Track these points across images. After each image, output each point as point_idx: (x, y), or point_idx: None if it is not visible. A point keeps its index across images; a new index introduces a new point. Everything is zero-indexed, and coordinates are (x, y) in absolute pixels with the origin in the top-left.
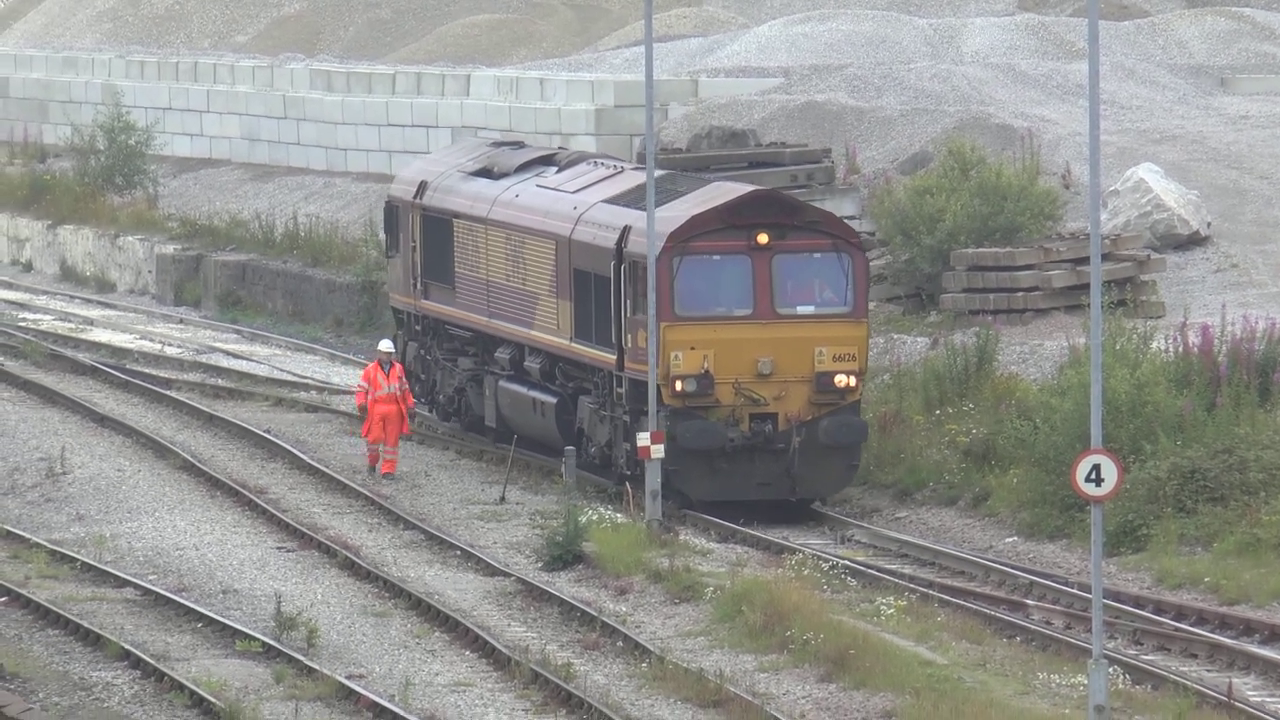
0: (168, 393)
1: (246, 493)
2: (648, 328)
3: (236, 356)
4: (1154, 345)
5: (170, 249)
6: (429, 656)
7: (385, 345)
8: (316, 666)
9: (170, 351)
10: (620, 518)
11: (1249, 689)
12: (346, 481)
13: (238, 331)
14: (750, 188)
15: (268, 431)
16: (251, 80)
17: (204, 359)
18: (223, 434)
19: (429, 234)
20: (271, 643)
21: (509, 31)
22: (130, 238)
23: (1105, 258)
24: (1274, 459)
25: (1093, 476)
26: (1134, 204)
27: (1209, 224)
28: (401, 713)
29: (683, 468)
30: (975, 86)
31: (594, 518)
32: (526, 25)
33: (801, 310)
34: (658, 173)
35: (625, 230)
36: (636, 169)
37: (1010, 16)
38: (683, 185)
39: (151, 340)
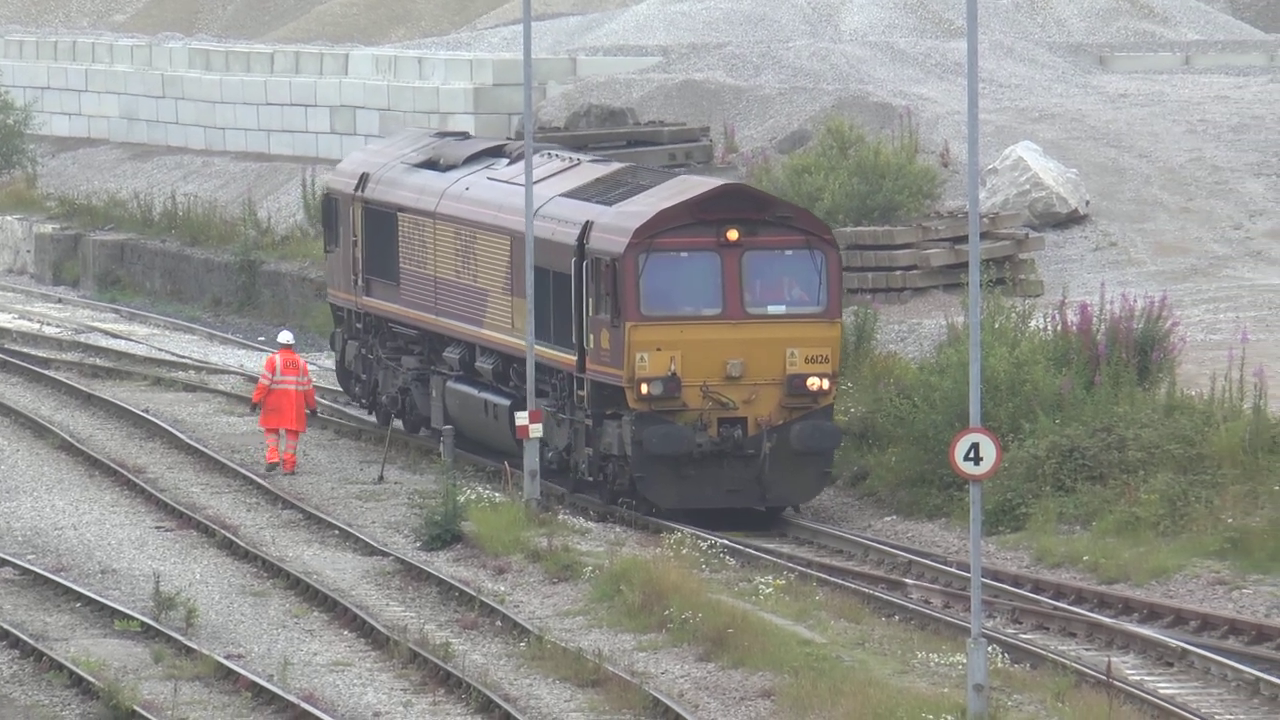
0: (46, 372)
1: (125, 472)
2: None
3: (115, 336)
4: (1033, 324)
5: (49, 228)
6: (307, 636)
7: (285, 337)
8: (195, 646)
9: (48, 331)
10: (499, 497)
11: (1128, 667)
12: (225, 461)
13: (116, 311)
14: (719, 181)
15: (146, 411)
16: (130, 59)
17: (82, 338)
18: (101, 413)
19: (371, 228)
20: (150, 622)
21: (387, 10)
22: (8, 217)
23: (984, 236)
24: (1152, 438)
25: (971, 455)
26: (1013, 182)
27: (1088, 202)
28: (280, 692)
29: (648, 474)
30: (854, 65)
31: (472, 497)
32: (404, 4)
33: (772, 310)
34: (619, 165)
35: (587, 226)
36: (594, 161)
37: None
38: (645, 178)
39: (30, 319)
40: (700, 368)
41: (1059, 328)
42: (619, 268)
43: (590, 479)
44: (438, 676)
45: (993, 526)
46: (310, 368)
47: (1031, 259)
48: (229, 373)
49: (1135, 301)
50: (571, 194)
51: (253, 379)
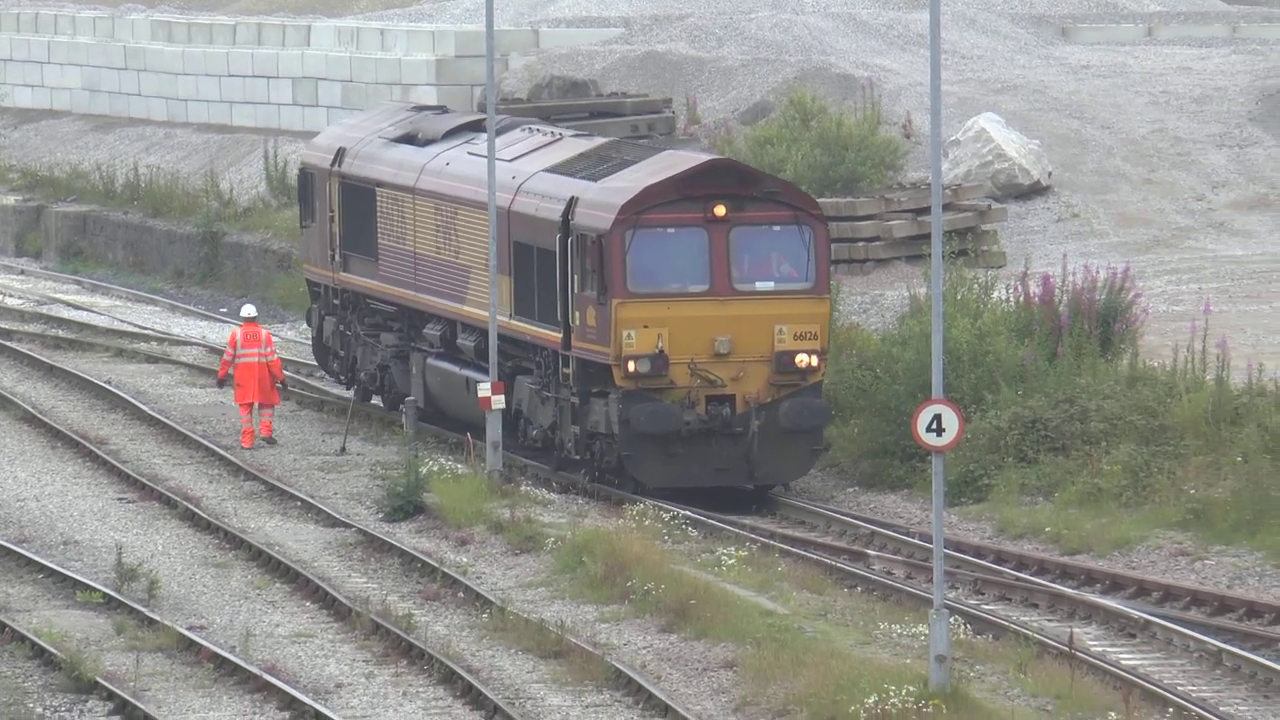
0: (8, 343)
1: (87, 444)
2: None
3: (77, 308)
4: (995, 295)
5: (11, 200)
6: (270, 608)
7: (248, 310)
8: (157, 618)
9: (11, 302)
10: (461, 469)
11: (1090, 639)
12: (187, 433)
13: (78, 282)
14: (706, 156)
15: (108, 382)
16: (92, 31)
17: (45, 310)
18: (63, 385)
19: (349, 203)
20: (113, 594)
21: None
22: None
23: (946, 208)
24: (1115, 409)
25: (934, 426)
26: (975, 154)
27: (1050, 174)
28: (242, 663)
29: (636, 453)
30: (816, 36)
31: (435, 469)
32: None
33: (761, 286)
34: (602, 140)
35: (572, 201)
36: (577, 136)
37: None
38: (631, 153)
39: None
40: (688, 345)
41: (1021, 299)
42: (605, 244)
43: (577, 457)
44: (400, 648)
45: (955, 498)
46: (274, 339)
47: (994, 230)
48: (191, 344)
49: (1098, 273)
50: (555, 169)
51: (215, 350)
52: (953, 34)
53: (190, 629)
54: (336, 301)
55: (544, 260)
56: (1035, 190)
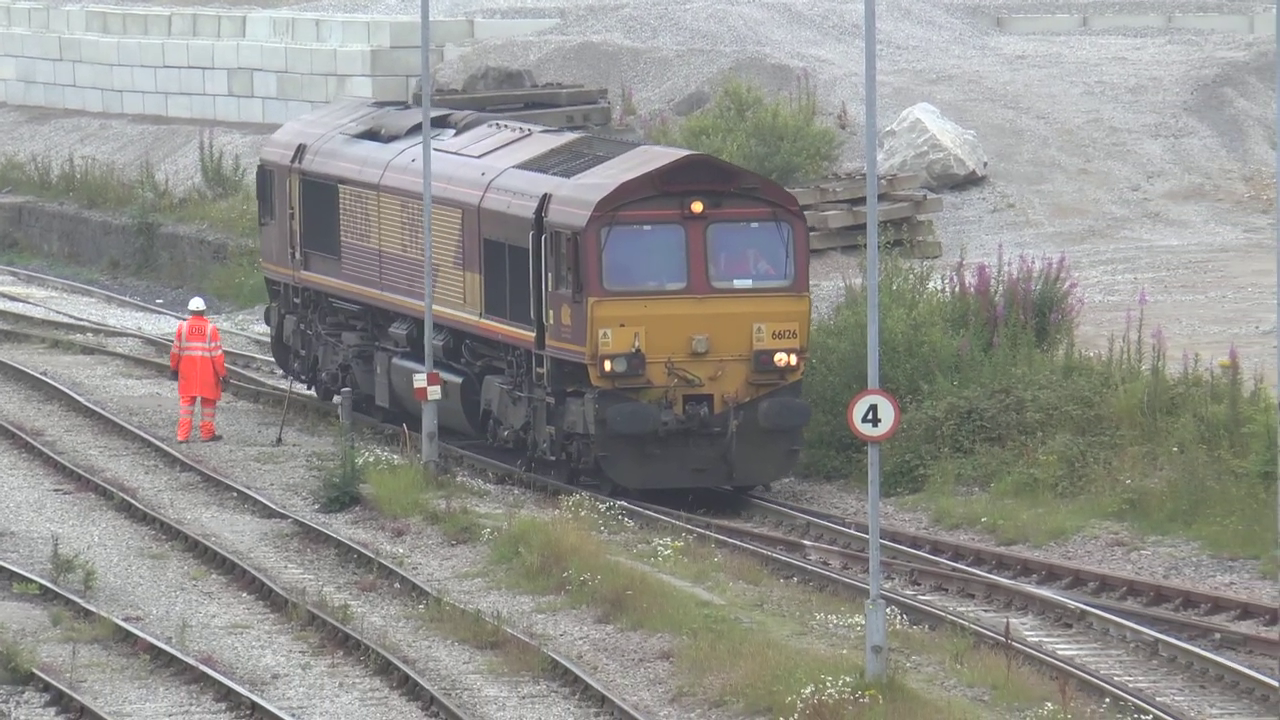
0: None
1: (23, 434)
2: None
3: (12, 299)
4: (931, 285)
5: None
6: (206, 598)
7: (195, 304)
8: (94, 609)
9: None
10: (397, 459)
11: (1026, 629)
12: (123, 424)
13: (14, 273)
14: (683, 151)
15: (44, 374)
16: (27, 22)
17: None
18: None
19: (310, 200)
20: (49, 585)
21: None
22: None
23: (882, 198)
24: (1050, 399)
25: (870, 417)
26: (910, 144)
27: (985, 164)
28: (179, 654)
29: (612, 454)
30: (751, 26)
31: (371, 459)
32: None
33: (738, 284)
34: (573, 135)
35: (545, 198)
36: (546, 132)
37: None
38: (603, 149)
39: None
40: (665, 344)
41: (957, 289)
42: (580, 241)
43: (552, 458)
44: (336, 638)
45: (891, 488)
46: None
47: (929, 220)
48: (127, 335)
49: (1033, 263)
50: (526, 165)
51: (151, 342)
52: (888, 24)
53: (127, 620)
54: (297, 300)
55: (516, 258)
56: (970, 180)
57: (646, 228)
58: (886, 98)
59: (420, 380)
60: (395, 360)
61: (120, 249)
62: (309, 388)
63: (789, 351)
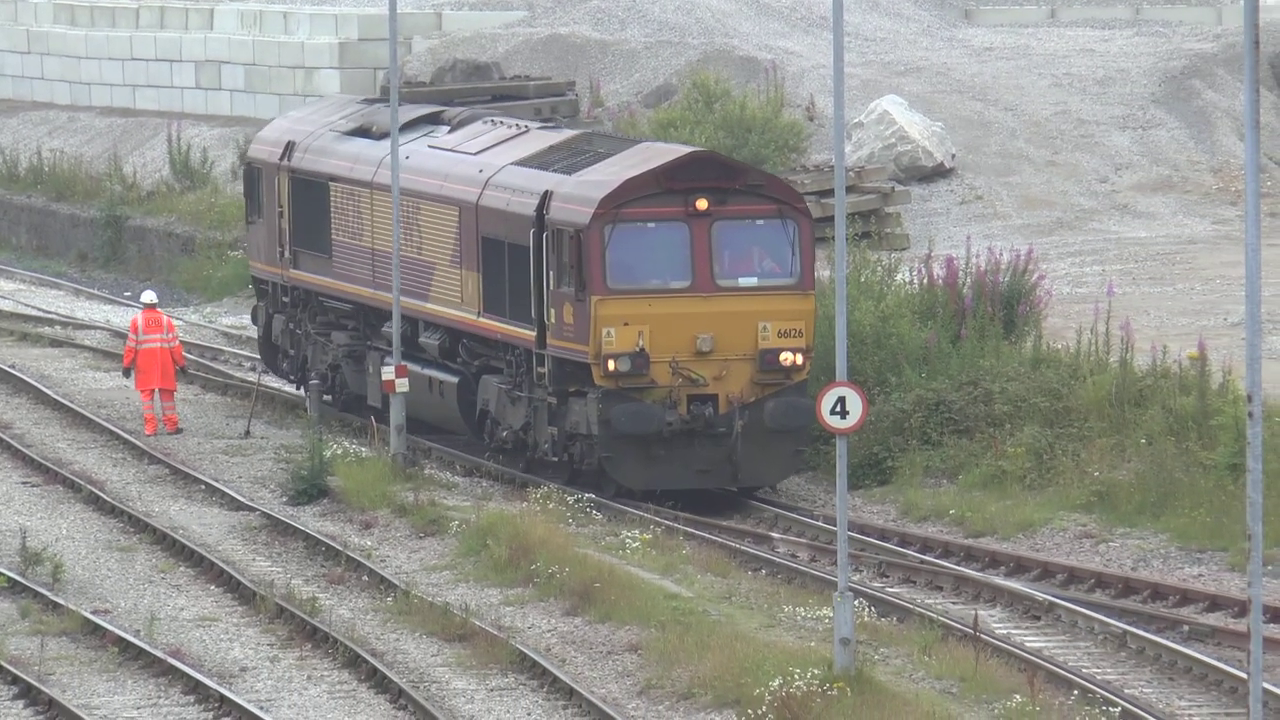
0: None
1: None
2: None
3: None
4: (899, 277)
5: None
6: (174, 591)
7: (148, 296)
8: (62, 602)
9: None
10: (365, 452)
11: (995, 621)
12: (91, 416)
13: None
14: (688, 148)
15: (12, 366)
16: None
17: None
18: None
19: (300, 198)
20: (17, 578)
21: None
22: None
23: (850, 190)
24: (1019, 391)
25: (838, 409)
26: (878, 136)
27: (953, 156)
28: (147, 647)
29: (616, 454)
30: (719, 19)
31: (339, 452)
32: None
33: (744, 282)
34: (571, 132)
35: (546, 196)
36: (543, 128)
37: None
38: (603, 146)
39: None
40: (669, 343)
41: (925, 281)
42: (584, 239)
43: (554, 459)
44: (304, 631)
45: (859, 480)
46: (176, 323)
47: (897, 213)
48: (96, 328)
49: (1001, 255)
50: (525, 162)
51: (119, 334)
52: (856, 16)
53: (95, 613)
54: (286, 299)
55: (516, 256)
56: (939, 172)
57: (651, 225)
58: (854, 90)
59: (388, 373)
60: (389, 360)
61: (88, 242)
62: (298, 388)
63: (795, 350)
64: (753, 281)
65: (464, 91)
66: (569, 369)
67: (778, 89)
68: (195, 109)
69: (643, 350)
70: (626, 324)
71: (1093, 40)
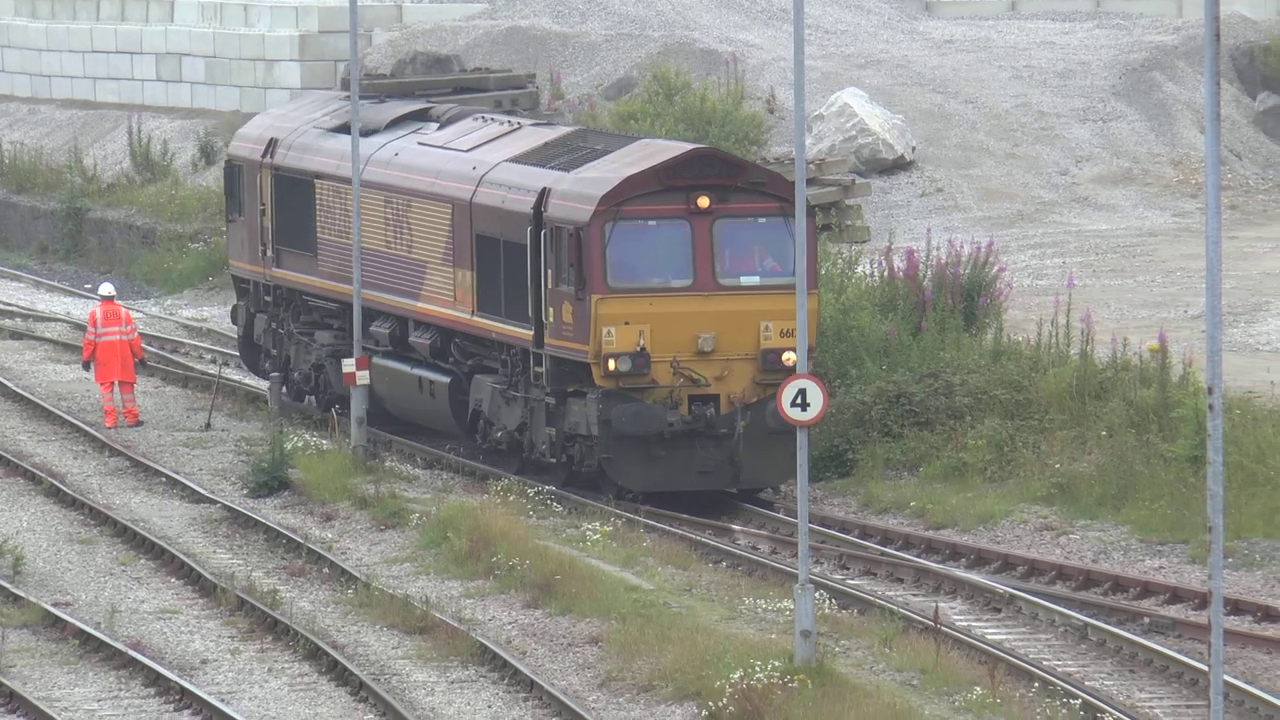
0: None
1: None
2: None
3: None
4: (859, 270)
5: None
6: (135, 584)
7: (106, 289)
8: (22, 594)
9: None
10: (326, 444)
11: (955, 613)
12: (52, 409)
13: None
14: (689, 145)
15: None
16: None
17: None
18: None
19: (283, 196)
20: None
21: None
22: None
23: (810, 182)
24: (979, 383)
25: (798, 401)
26: (839, 128)
27: (914, 148)
28: (108, 640)
29: (616, 456)
30: (679, 11)
31: (300, 444)
32: None
33: (746, 281)
34: (566, 129)
35: (544, 193)
36: (536, 125)
37: None
38: (601, 142)
39: None
40: (670, 342)
41: (885, 274)
42: (584, 237)
43: (552, 460)
44: (265, 624)
45: (820, 472)
46: (136, 316)
47: (858, 205)
48: (56, 320)
49: (962, 247)
50: (521, 159)
51: (80, 327)
52: (816, 9)
53: (55, 605)
54: (268, 299)
55: (512, 254)
56: (899, 165)
57: (651, 223)
58: (815, 82)
59: (348, 365)
60: (377, 360)
61: (49, 234)
62: (282, 387)
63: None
64: (755, 280)
65: (424, 84)
66: (568, 369)
67: (738, 81)
68: (156, 101)
69: (643, 350)
70: (627, 323)
71: (1053, 33)
